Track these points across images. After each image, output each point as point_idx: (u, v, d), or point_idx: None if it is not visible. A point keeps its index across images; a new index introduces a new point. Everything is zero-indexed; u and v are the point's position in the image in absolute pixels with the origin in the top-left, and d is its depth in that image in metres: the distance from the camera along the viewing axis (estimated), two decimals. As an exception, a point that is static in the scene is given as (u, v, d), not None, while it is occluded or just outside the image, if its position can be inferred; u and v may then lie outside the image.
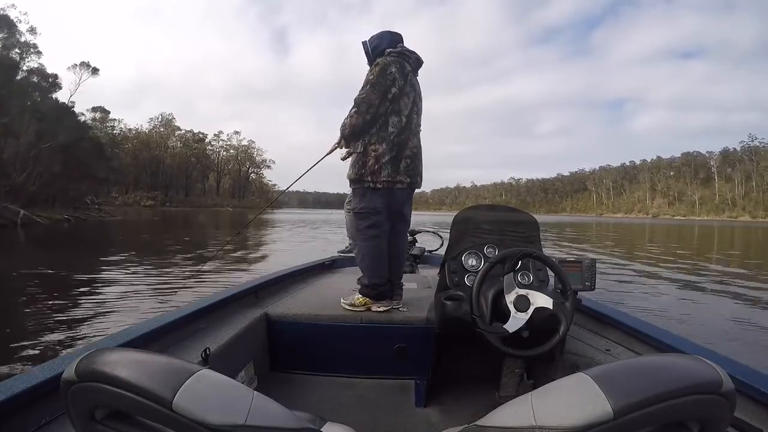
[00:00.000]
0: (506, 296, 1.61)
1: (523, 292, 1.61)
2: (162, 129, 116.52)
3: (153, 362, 0.70)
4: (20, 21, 40.95)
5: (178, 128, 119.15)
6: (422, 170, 2.66)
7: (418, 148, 2.63)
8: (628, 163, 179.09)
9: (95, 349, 0.72)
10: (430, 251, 4.80)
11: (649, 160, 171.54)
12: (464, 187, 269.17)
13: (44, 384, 1.12)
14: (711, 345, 1.88)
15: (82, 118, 71.01)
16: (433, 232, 5.19)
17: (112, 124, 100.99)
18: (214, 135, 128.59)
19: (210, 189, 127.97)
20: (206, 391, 0.67)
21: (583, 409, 0.61)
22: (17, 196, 28.41)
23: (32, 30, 41.75)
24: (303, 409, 0.91)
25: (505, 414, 0.74)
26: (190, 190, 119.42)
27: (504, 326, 1.57)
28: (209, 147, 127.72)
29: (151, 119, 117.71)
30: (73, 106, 49.30)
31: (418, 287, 3.10)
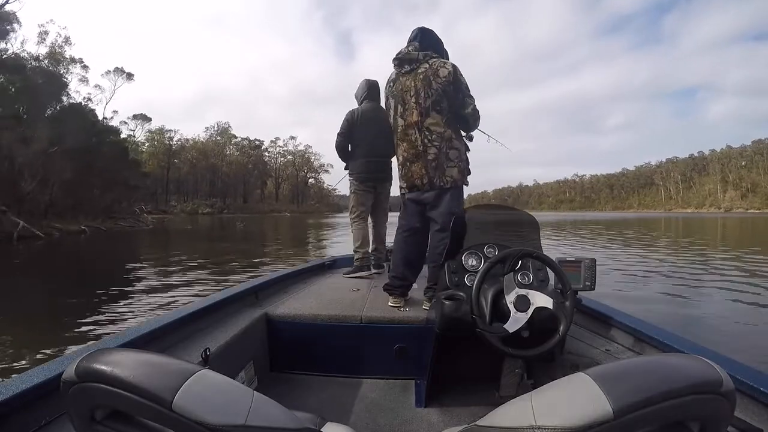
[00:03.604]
0: (506, 296, 1.60)
1: (523, 292, 1.59)
2: (219, 138, 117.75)
3: (153, 362, 0.70)
4: (60, 35, 43.24)
5: (234, 136, 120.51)
6: (423, 171, 2.52)
7: (409, 150, 2.57)
8: (696, 154, 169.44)
9: (95, 350, 0.72)
10: None
11: (718, 150, 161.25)
12: (526, 185, 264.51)
13: (44, 384, 1.12)
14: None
15: (124, 128, 70.52)
16: None
17: (170, 135, 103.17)
18: (271, 141, 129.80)
19: (269, 195, 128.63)
20: (206, 391, 0.68)
21: (583, 409, 0.61)
22: (31, 206, 26.64)
23: (67, 41, 43.54)
24: (303, 409, 0.91)
25: (505, 414, 0.74)
26: (248, 196, 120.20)
27: (504, 326, 1.56)
28: (266, 153, 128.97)
29: (207, 128, 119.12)
30: (95, 114, 47.23)
31: (418, 287, 3.08)
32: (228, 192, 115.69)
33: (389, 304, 2.59)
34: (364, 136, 3.92)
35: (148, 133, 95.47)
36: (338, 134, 4.03)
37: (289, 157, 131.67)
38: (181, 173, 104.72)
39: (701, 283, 8.80)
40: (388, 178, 4.17)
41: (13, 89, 31.23)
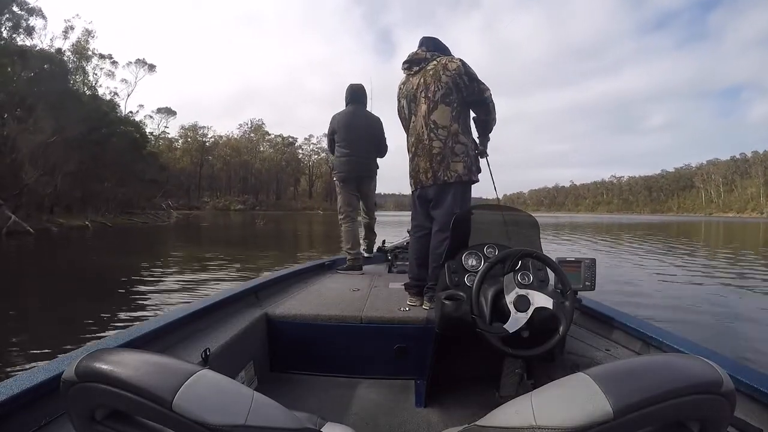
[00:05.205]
0: (506, 296, 1.60)
1: (523, 292, 1.59)
2: (252, 135, 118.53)
3: (153, 362, 0.70)
4: (87, 31, 45.10)
5: (268, 133, 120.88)
6: (427, 165, 2.52)
7: (417, 144, 2.59)
8: (738, 156, 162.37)
9: (95, 350, 0.73)
10: None
11: (761, 152, 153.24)
12: (563, 186, 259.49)
13: (44, 384, 1.12)
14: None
15: (149, 122, 70.76)
16: None
17: (203, 131, 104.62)
18: (305, 138, 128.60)
19: (302, 192, 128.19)
20: (206, 391, 0.68)
21: (583, 409, 0.61)
22: (31, 198, 25.78)
23: (89, 34, 45.41)
24: (303, 409, 0.91)
25: (505, 414, 0.74)
26: (281, 193, 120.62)
27: (504, 326, 1.56)
28: (300, 151, 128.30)
29: (241, 125, 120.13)
30: (113, 104, 47.82)
31: None
32: (261, 189, 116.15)
33: (408, 302, 2.60)
34: (345, 136, 4.07)
35: (181, 130, 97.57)
36: (326, 136, 4.27)
37: (323, 154, 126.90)
38: (214, 169, 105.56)
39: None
40: (371, 176, 4.31)
41: (15, 78, 30.85)
